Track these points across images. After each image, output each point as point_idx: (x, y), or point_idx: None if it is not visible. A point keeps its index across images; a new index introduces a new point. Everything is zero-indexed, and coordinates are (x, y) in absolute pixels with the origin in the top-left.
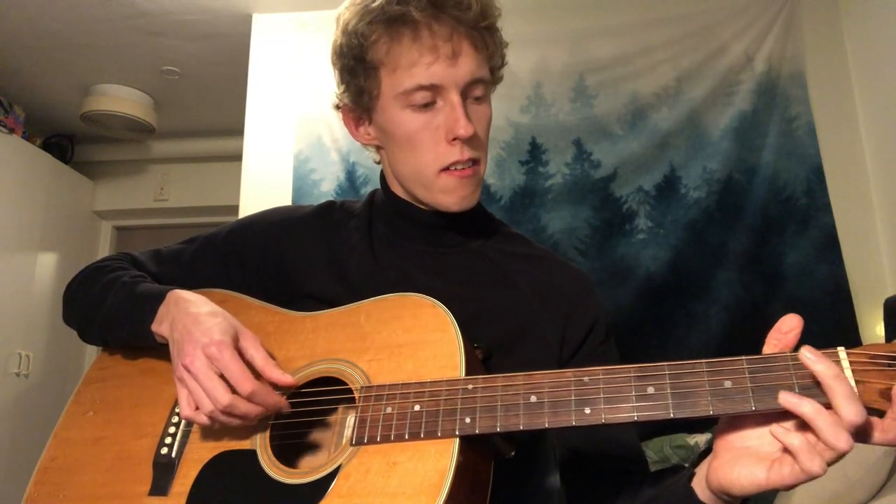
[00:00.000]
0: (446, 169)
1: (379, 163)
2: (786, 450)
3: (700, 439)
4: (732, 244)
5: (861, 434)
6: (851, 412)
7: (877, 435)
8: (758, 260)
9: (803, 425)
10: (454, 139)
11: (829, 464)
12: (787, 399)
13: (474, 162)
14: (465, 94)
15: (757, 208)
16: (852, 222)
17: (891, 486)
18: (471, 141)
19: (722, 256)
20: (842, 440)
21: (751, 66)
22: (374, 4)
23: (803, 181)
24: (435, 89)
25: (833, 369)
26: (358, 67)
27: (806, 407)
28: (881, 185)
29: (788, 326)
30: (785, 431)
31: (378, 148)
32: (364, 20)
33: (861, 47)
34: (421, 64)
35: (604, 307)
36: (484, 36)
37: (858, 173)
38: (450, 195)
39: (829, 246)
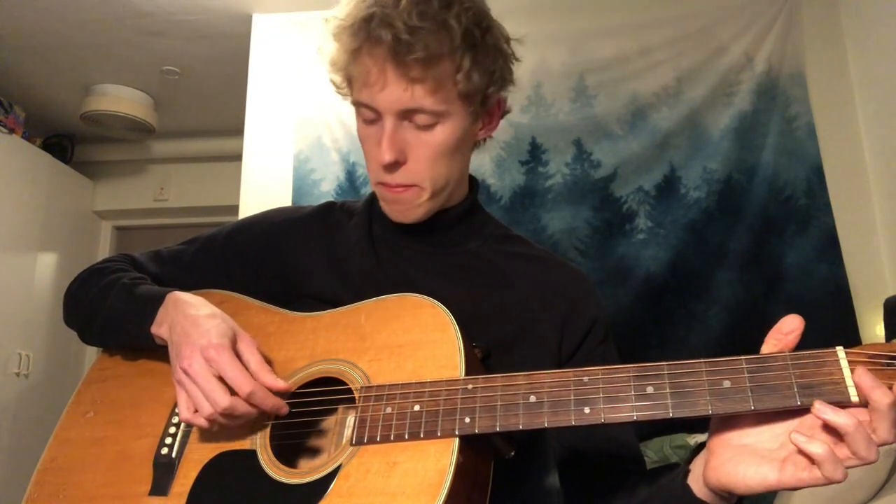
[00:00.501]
0: (381, 184)
1: None
2: (800, 451)
3: (700, 439)
4: (732, 244)
5: None
6: (891, 436)
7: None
8: (758, 260)
9: (821, 430)
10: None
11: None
12: (823, 410)
13: (414, 182)
14: (405, 118)
15: (757, 208)
16: (852, 222)
17: (891, 486)
18: (393, 167)
19: (722, 256)
20: (873, 453)
21: (751, 66)
22: (334, 15)
23: (803, 181)
24: (373, 112)
25: (890, 397)
26: (337, 70)
27: (844, 419)
28: (881, 185)
29: (789, 327)
30: (807, 440)
31: None
32: (332, 31)
33: (861, 47)
34: (358, 83)
35: (603, 307)
36: (422, 67)
37: (858, 173)
38: (387, 205)
39: (829, 246)
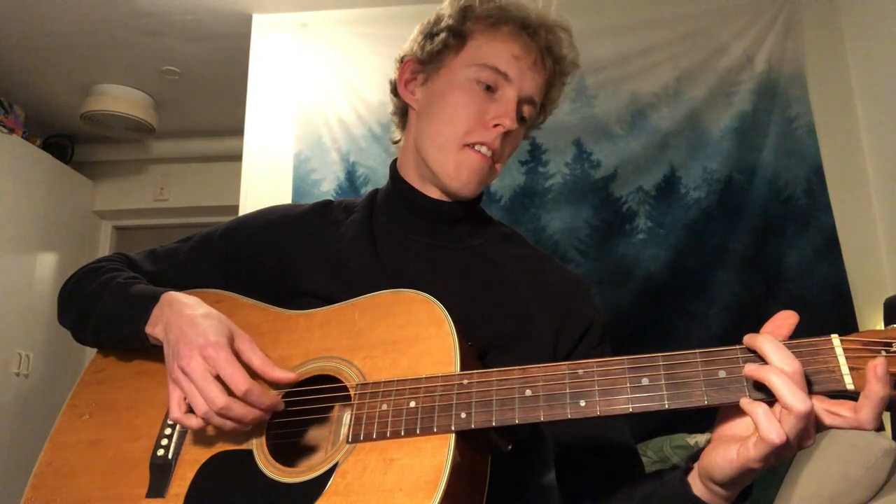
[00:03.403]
0: (471, 146)
1: (397, 142)
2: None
3: (700, 439)
4: (732, 244)
5: (832, 416)
6: (786, 363)
7: (848, 414)
8: (758, 260)
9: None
10: (496, 125)
11: (790, 435)
12: (749, 367)
13: (495, 159)
14: (521, 103)
15: (757, 208)
16: (852, 222)
17: (891, 486)
18: (505, 137)
19: (722, 256)
20: (797, 398)
21: (751, 66)
22: None
23: (803, 181)
24: (503, 79)
25: (767, 338)
26: (453, 29)
27: (764, 372)
28: (881, 185)
29: (783, 319)
30: (750, 401)
31: (406, 115)
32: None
33: (861, 47)
34: (508, 51)
35: (600, 311)
36: (555, 76)
37: (858, 173)
38: (461, 170)
39: (829, 246)
